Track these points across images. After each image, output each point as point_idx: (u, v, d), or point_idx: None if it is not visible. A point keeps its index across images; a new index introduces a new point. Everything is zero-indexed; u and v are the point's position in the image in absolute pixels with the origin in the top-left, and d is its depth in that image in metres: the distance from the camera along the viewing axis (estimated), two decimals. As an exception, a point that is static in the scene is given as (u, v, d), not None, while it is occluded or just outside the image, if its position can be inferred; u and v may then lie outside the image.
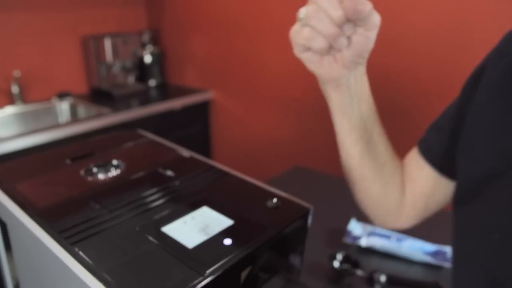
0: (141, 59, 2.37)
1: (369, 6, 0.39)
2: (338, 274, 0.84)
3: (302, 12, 0.42)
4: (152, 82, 2.44)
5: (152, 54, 2.39)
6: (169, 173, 0.48)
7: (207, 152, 2.42)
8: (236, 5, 2.04)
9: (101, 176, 0.48)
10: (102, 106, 2.02)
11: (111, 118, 1.91)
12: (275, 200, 0.42)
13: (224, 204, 0.42)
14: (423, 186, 0.58)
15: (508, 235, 0.41)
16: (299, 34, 0.42)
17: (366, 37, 0.41)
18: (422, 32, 1.44)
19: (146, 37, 2.42)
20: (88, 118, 1.89)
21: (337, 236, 1.00)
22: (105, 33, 2.25)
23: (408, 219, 0.62)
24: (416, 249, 0.90)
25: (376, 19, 0.41)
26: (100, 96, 2.24)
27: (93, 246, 0.35)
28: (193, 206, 0.41)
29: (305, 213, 0.42)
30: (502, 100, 0.45)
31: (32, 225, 0.38)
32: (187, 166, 0.51)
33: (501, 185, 0.43)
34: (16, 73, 1.99)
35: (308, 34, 0.41)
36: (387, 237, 0.94)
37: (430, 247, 0.90)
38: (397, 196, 0.60)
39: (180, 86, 2.48)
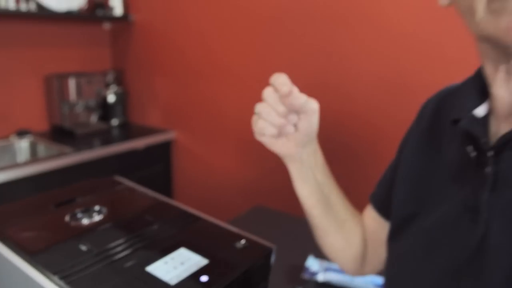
0: (104, 99, 2.40)
1: (303, 99, 0.52)
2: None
3: (257, 107, 0.55)
4: (115, 121, 2.46)
5: (116, 93, 2.43)
6: (148, 217, 0.54)
7: (169, 192, 2.44)
8: (199, 50, 2.14)
9: (85, 221, 0.52)
10: (64, 145, 2.02)
11: (72, 158, 1.92)
12: (243, 241, 0.49)
13: (199, 245, 0.48)
14: (380, 234, 0.66)
15: (422, 264, 0.50)
16: (256, 124, 0.56)
17: (308, 121, 0.55)
18: (373, 80, 1.58)
19: (110, 77, 2.46)
20: (49, 157, 1.88)
21: (296, 272, 1.06)
22: (69, 72, 2.28)
23: (373, 265, 0.70)
24: (368, 282, 0.99)
25: (313, 106, 0.54)
26: (61, 135, 2.23)
27: (87, 285, 0.40)
28: (172, 247, 0.47)
29: (268, 253, 0.49)
30: (419, 157, 0.56)
31: (27, 269, 0.42)
32: (163, 211, 0.57)
33: (416, 224, 0.53)
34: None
35: (261, 124, 0.55)
36: (342, 272, 1.02)
37: (380, 280, 0.99)
38: (360, 247, 0.68)
39: (142, 126, 2.52)
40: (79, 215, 0.54)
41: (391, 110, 1.55)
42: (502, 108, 0.47)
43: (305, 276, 1.03)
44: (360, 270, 0.71)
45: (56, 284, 0.40)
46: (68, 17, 2.25)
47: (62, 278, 0.40)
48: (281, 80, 0.52)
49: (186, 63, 2.23)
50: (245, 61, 1.98)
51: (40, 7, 2.07)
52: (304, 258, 1.10)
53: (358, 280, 0.99)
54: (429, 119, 0.58)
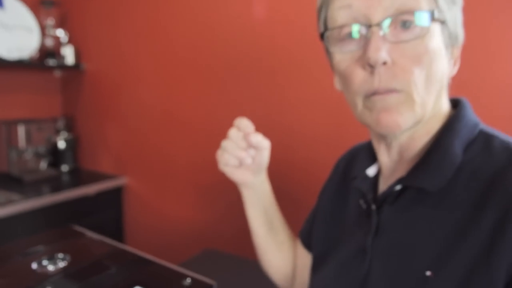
0: (54, 145, 2.42)
1: (259, 137, 0.69)
2: None
3: (223, 143, 0.71)
4: (65, 168, 2.47)
5: (66, 140, 2.46)
6: (106, 262, 0.62)
7: (120, 237, 2.45)
8: (148, 98, 2.22)
9: (50, 268, 0.60)
10: (12, 192, 2.02)
11: (21, 205, 1.91)
12: (188, 279, 0.59)
13: (150, 284, 0.58)
14: (305, 262, 0.80)
15: None
16: (221, 157, 0.72)
17: (261, 155, 0.71)
18: (312, 137, 1.75)
19: (60, 123, 2.49)
20: (-4, 205, 1.87)
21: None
22: (19, 119, 2.29)
23: (301, 284, 0.83)
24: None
25: (266, 143, 0.71)
26: (9, 182, 2.22)
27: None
28: (129, 285, 0.56)
29: (210, 288, 0.59)
30: (333, 204, 0.71)
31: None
32: (119, 256, 0.66)
33: (328, 260, 0.66)
34: None
35: (226, 157, 0.71)
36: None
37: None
38: (292, 267, 0.83)
39: (93, 172, 2.54)
40: (45, 262, 0.61)
41: (326, 158, 1.71)
42: (385, 171, 0.62)
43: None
44: (291, 286, 0.85)
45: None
46: (19, 65, 2.30)
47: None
48: (244, 123, 0.68)
49: (136, 110, 2.30)
50: (195, 109, 2.07)
51: (-9, 56, 2.11)
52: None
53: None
54: (342, 172, 0.73)
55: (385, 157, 0.61)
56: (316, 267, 0.69)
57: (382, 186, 0.62)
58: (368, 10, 0.50)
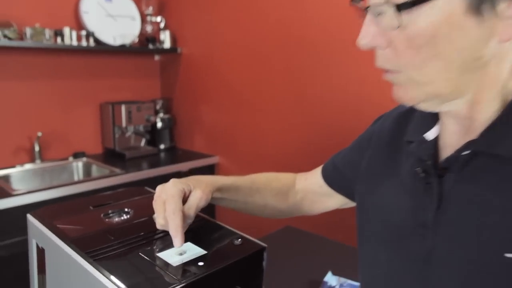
0: (153, 125, 2.60)
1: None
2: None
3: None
4: (162, 146, 2.65)
5: (164, 120, 2.63)
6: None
7: (212, 213, 2.55)
8: (241, 80, 2.28)
9: (116, 219, 0.65)
10: (114, 166, 2.22)
11: (122, 178, 2.10)
12: (239, 239, 0.59)
13: (202, 240, 0.59)
14: (318, 194, 0.81)
15: (386, 271, 0.57)
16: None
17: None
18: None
19: (159, 105, 2.67)
20: (101, 177, 2.07)
21: (315, 287, 1.13)
22: (122, 101, 2.51)
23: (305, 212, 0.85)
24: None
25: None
26: (113, 157, 2.44)
27: (109, 263, 0.51)
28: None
29: (260, 251, 0.58)
30: (380, 163, 0.65)
31: (67, 249, 0.54)
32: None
33: (378, 235, 0.60)
34: (39, 133, 2.22)
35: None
36: (359, 288, 1.07)
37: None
38: (283, 209, 0.84)
39: (188, 151, 2.69)
40: (111, 214, 0.66)
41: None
42: (449, 133, 0.54)
43: (322, 289, 1.09)
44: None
45: (87, 260, 0.51)
46: (122, 50, 2.50)
47: (92, 256, 0.52)
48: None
49: (229, 91, 2.37)
50: (286, 91, 2.09)
51: (98, 43, 2.33)
52: (324, 275, 1.16)
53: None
54: (389, 132, 0.65)
55: (449, 118, 0.53)
56: (363, 241, 0.65)
57: (445, 152, 0.54)
58: None
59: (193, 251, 0.55)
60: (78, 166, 2.37)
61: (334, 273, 1.15)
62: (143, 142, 2.60)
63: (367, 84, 1.73)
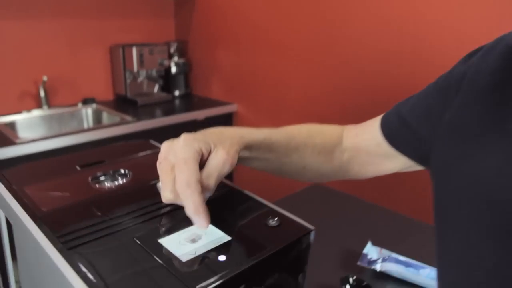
0: (167, 69, 2.41)
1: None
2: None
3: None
4: (177, 92, 2.47)
5: (178, 64, 2.43)
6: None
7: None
8: (263, 20, 2.07)
9: (107, 184, 0.48)
10: (126, 114, 2.06)
11: (133, 126, 1.95)
12: (275, 219, 0.42)
13: (225, 220, 0.42)
14: (368, 143, 0.63)
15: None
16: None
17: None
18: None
19: (173, 48, 2.46)
20: (111, 125, 1.93)
21: (352, 259, 0.97)
22: (133, 43, 2.30)
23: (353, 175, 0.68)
24: (434, 279, 0.87)
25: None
26: (124, 104, 2.28)
27: (88, 253, 0.35)
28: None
29: (306, 234, 0.41)
30: (481, 116, 0.44)
31: (33, 228, 0.38)
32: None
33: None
34: (44, 77, 2.06)
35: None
36: (405, 263, 0.91)
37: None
38: (328, 171, 0.67)
39: (204, 98, 2.51)
40: (102, 177, 0.49)
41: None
42: None
43: (361, 264, 0.93)
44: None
45: (57, 247, 0.35)
46: (133, -14, 2.26)
47: (65, 242, 0.36)
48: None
49: (250, 32, 2.16)
50: (309, 37, 1.88)
51: (107, -24, 2.09)
52: (362, 245, 1.00)
53: (424, 275, 0.87)
54: (494, 71, 0.44)
55: None
56: (449, 214, 0.47)
57: None
58: None
59: (212, 236, 0.39)
60: (87, 113, 2.22)
61: (374, 244, 0.98)
62: (156, 88, 2.42)
63: (422, 23, 1.49)
